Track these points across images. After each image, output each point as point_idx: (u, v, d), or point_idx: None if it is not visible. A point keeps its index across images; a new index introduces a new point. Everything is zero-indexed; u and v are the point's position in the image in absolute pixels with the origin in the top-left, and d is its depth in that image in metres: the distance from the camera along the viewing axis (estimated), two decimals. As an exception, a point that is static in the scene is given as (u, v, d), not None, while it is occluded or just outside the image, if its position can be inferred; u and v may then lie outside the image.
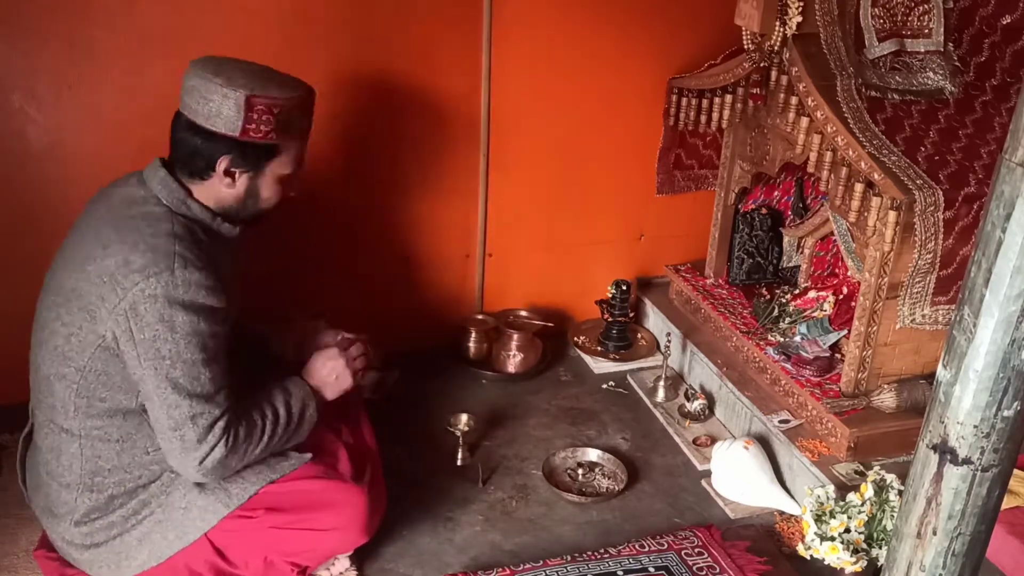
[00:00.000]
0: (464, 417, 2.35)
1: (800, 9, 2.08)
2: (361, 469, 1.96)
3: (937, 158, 2.05)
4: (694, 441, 2.45)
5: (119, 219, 1.68)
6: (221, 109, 1.67)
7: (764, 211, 2.73)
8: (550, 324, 2.81)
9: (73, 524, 1.77)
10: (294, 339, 2.10)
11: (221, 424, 1.68)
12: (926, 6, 2.24)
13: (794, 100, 2.17)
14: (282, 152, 1.76)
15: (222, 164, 1.71)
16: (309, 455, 1.86)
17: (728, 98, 2.43)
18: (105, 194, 1.77)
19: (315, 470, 1.86)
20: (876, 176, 1.97)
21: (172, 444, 1.67)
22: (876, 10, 2.21)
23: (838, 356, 2.36)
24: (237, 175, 1.74)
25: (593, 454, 2.38)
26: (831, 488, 1.96)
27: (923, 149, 2.06)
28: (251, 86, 1.67)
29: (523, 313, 2.84)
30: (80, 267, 1.66)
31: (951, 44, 2.26)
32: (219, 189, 1.75)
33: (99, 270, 1.63)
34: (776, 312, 2.53)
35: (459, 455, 2.32)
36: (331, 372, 1.90)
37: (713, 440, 2.45)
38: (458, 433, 2.31)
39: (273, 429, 1.77)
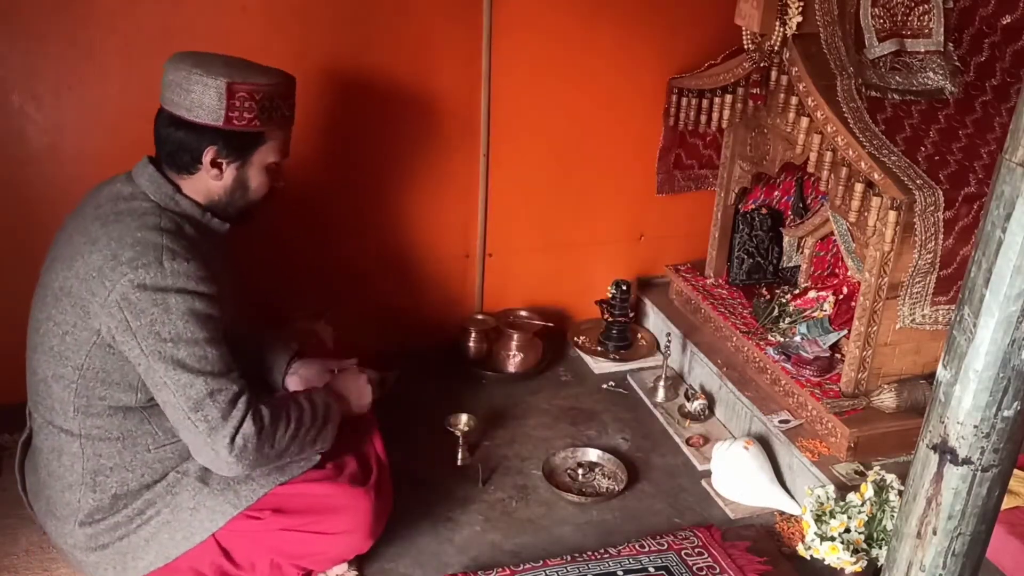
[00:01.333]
0: (464, 417, 2.35)
1: (800, 9, 2.08)
2: (368, 474, 1.95)
3: (937, 158, 2.05)
4: (687, 441, 2.45)
5: (106, 215, 1.67)
6: (203, 99, 1.67)
7: (764, 211, 2.72)
8: (550, 324, 2.81)
9: (77, 525, 1.76)
10: (295, 340, 2.10)
11: (243, 400, 1.65)
12: (926, 6, 2.24)
13: (794, 100, 2.17)
14: (268, 139, 1.77)
15: (208, 155, 1.71)
16: (318, 456, 1.87)
17: (728, 98, 2.43)
18: (92, 194, 1.77)
19: (323, 474, 1.86)
20: (876, 176, 1.97)
21: (197, 429, 1.62)
22: (876, 10, 2.21)
23: (838, 356, 2.36)
24: (224, 166, 1.74)
25: (593, 454, 2.38)
26: (831, 488, 1.96)
27: (923, 149, 2.06)
28: (231, 74, 1.67)
29: (523, 313, 2.84)
30: (68, 266, 1.66)
31: (951, 44, 2.26)
32: (207, 182, 1.75)
33: (87, 266, 1.62)
34: (776, 312, 2.53)
35: (459, 455, 2.32)
36: (353, 386, 1.97)
37: (706, 440, 2.45)
38: (458, 433, 2.31)
39: (300, 417, 1.76)
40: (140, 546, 1.77)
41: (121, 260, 1.60)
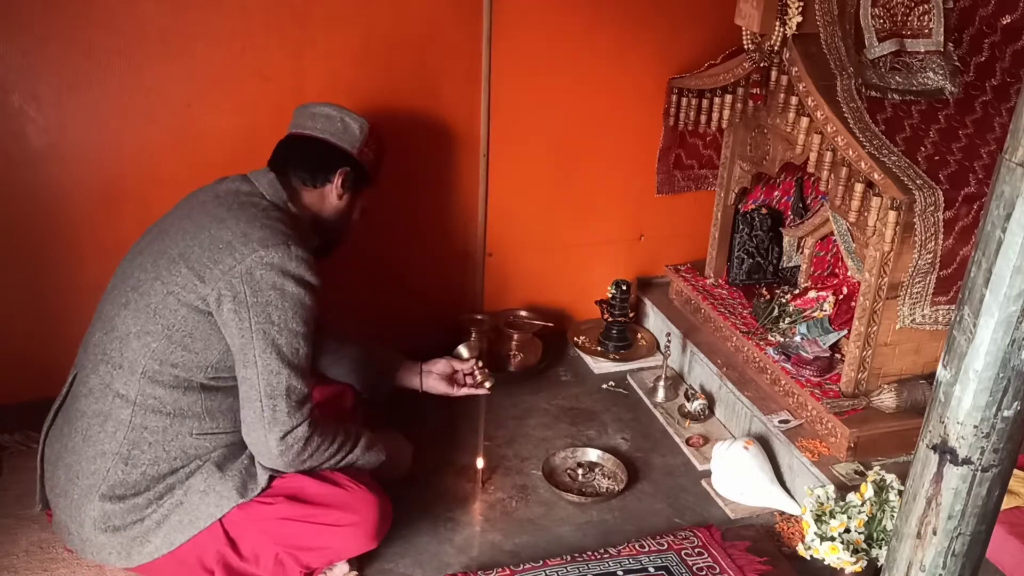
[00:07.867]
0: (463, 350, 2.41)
1: (800, 9, 2.09)
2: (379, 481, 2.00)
3: (937, 158, 2.05)
4: (687, 441, 2.45)
5: (229, 203, 1.84)
6: (346, 129, 1.98)
7: (764, 211, 2.72)
8: (550, 324, 2.81)
9: (98, 498, 1.77)
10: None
11: (309, 405, 1.80)
12: (926, 6, 2.24)
13: (794, 100, 2.17)
14: (371, 186, 2.07)
15: (340, 176, 1.96)
16: None
17: (728, 98, 2.43)
18: (205, 189, 1.93)
19: (335, 474, 1.90)
20: (876, 176, 1.97)
21: (262, 413, 1.75)
22: (876, 10, 2.21)
23: (838, 356, 2.36)
24: (346, 189, 1.99)
25: (593, 454, 2.38)
26: (831, 488, 1.96)
27: (923, 149, 2.06)
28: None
29: (523, 313, 2.84)
30: (192, 236, 1.79)
31: (951, 44, 2.26)
32: (328, 198, 1.98)
33: (213, 239, 1.77)
34: (776, 312, 2.53)
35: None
36: (400, 454, 2.14)
37: (706, 440, 2.45)
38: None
39: (344, 443, 1.89)
40: (150, 529, 1.79)
41: (252, 238, 1.76)
